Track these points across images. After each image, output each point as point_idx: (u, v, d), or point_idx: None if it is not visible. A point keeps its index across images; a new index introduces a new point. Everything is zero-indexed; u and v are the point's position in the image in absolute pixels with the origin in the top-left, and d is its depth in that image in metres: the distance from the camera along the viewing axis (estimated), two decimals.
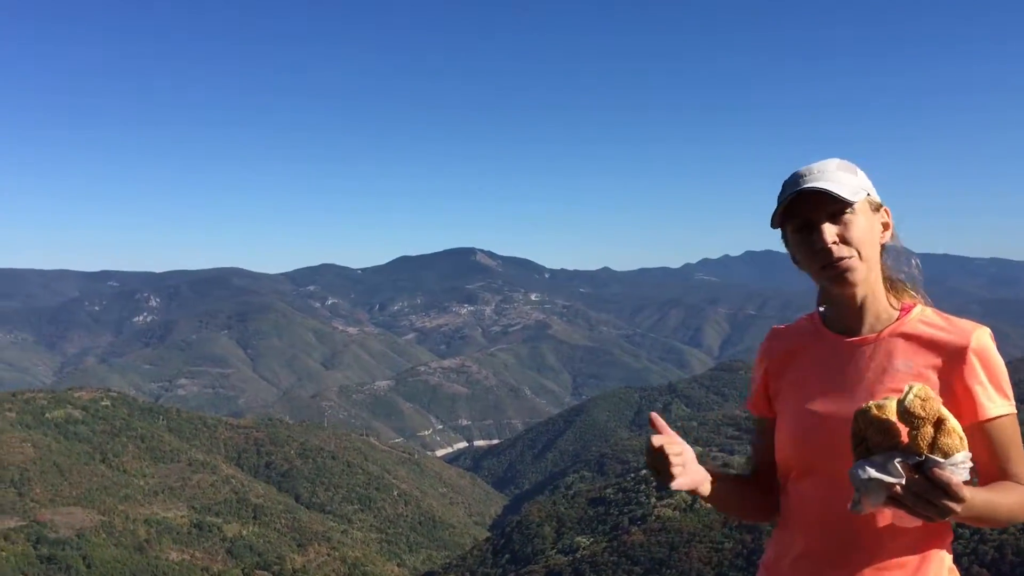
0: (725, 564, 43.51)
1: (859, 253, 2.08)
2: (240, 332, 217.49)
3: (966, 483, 1.74)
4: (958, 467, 1.72)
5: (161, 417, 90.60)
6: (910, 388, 1.79)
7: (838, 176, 2.09)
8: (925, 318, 2.15)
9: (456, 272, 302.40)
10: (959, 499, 1.71)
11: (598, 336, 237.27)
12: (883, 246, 2.19)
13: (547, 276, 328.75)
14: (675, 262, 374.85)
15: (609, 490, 68.51)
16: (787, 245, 2.21)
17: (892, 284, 2.22)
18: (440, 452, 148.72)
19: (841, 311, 2.21)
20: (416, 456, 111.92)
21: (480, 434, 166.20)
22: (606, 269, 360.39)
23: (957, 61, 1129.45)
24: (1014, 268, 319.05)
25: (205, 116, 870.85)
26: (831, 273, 2.08)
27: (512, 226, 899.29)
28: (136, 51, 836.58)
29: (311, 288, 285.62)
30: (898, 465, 1.74)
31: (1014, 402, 2.07)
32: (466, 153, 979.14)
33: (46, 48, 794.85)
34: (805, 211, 2.10)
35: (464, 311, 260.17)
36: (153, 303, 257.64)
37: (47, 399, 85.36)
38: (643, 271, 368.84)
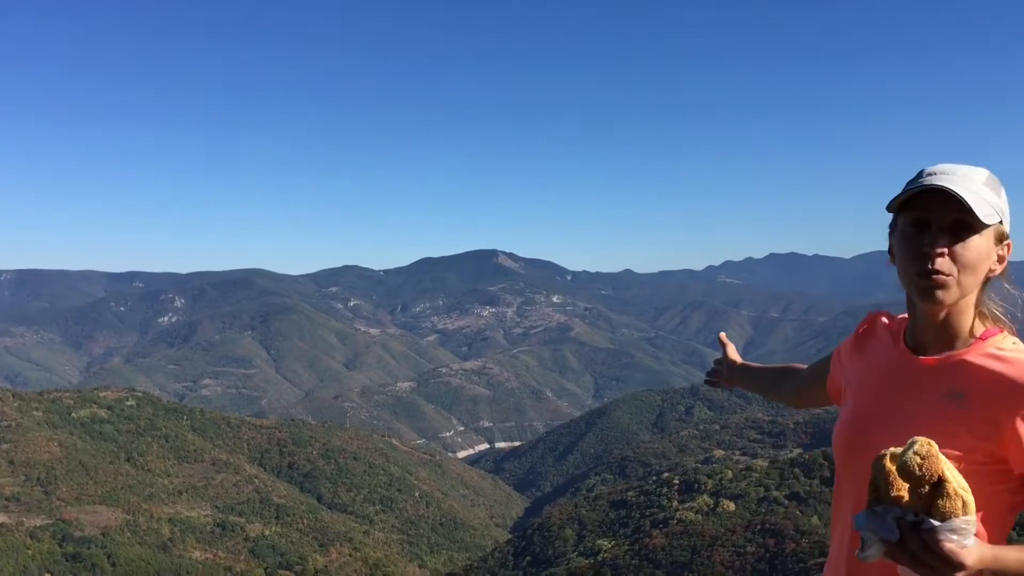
0: (747, 568, 43.15)
1: (958, 276, 1.89)
2: (263, 333, 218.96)
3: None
4: (956, 532, 1.62)
5: (185, 417, 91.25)
6: (912, 443, 1.70)
7: (980, 189, 1.90)
8: (1000, 347, 1.92)
9: (478, 274, 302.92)
10: (954, 566, 1.61)
11: (620, 338, 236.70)
12: (988, 278, 1.99)
13: (569, 278, 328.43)
14: (698, 264, 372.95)
15: (631, 493, 68.27)
16: (891, 235, 2.03)
17: (981, 314, 2.02)
18: (461, 454, 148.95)
19: (918, 324, 2.05)
20: (437, 457, 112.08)
21: (501, 436, 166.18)
22: (628, 271, 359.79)
23: None
24: None
25: (230, 118, 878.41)
26: (922, 283, 1.90)
27: (534, 228, 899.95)
28: (163, 52, 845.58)
29: (334, 289, 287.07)
30: (893, 521, 1.66)
31: None
32: (488, 154, 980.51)
33: (74, 48, 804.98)
34: (930, 208, 1.90)
35: (486, 313, 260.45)
36: (178, 304, 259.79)
37: (73, 399, 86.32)
38: (665, 273, 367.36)
